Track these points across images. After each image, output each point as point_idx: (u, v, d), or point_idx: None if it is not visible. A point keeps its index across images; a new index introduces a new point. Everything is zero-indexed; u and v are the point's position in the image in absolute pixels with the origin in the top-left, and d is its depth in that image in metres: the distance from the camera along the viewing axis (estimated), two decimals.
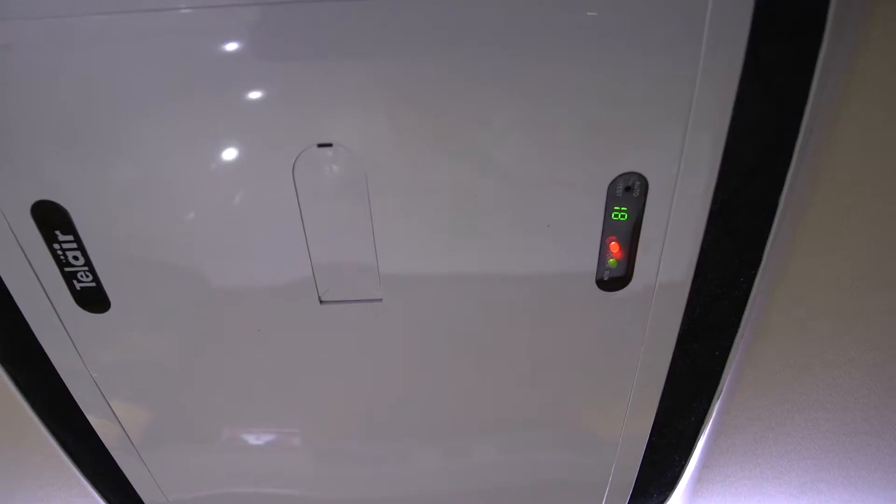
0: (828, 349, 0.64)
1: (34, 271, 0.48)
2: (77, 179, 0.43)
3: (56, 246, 0.46)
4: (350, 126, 0.41)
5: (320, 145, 0.42)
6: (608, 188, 0.44)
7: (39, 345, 0.52)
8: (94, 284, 0.49)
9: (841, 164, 0.46)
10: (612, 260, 0.49)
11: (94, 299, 0.49)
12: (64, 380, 0.55)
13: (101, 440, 0.61)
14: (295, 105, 0.40)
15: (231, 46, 0.38)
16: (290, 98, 0.39)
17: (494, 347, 0.54)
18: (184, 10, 0.37)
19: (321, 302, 0.50)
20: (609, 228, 0.47)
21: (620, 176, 0.44)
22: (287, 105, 0.40)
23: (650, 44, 0.38)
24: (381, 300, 0.50)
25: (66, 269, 0.48)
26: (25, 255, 0.47)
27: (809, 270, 0.53)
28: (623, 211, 0.46)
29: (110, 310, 0.50)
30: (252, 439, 0.62)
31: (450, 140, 0.41)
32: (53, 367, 0.54)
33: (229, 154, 0.42)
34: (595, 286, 0.50)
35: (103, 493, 0.67)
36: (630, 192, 0.45)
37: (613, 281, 0.49)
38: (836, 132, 0.44)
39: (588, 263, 0.48)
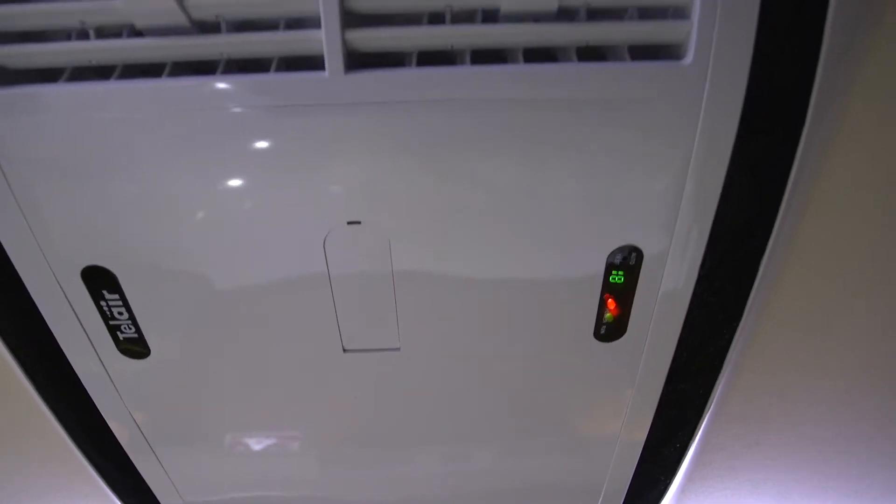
0: (800, 384, 0.71)
1: (81, 325, 0.52)
2: (126, 248, 0.47)
3: (104, 304, 0.51)
4: (376, 207, 0.45)
5: (350, 223, 0.46)
6: (608, 257, 0.49)
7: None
8: (136, 335, 0.53)
9: (812, 244, 0.51)
10: (608, 315, 0.54)
11: (135, 350, 0.54)
12: (102, 413, 0.60)
13: (128, 457, 0.66)
14: (331, 191, 0.44)
15: (275, 142, 0.42)
16: (328, 187, 0.44)
17: (500, 388, 0.59)
18: (235, 110, 0.41)
19: (344, 351, 0.55)
20: (607, 288, 0.52)
21: (619, 248, 0.49)
22: (325, 191, 0.44)
23: (651, 138, 0.43)
24: (398, 349, 0.55)
25: (111, 323, 0.52)
26: (74, 312, 0.51)
27: (783, 324, 0.59)
28: (620, 275, 0.51)
29: (150, 356, 0.55)
30: (271, 456, 0.67)
31: (467, 219, 0.46)
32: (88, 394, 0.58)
33: (268, 228, 0.46)
34: (593, 338, 0.55)
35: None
36: (627, 260, 0.50)
37: (609, 334, 0.55)
38: (809, 214, 0.49)
39: (588, 318, 0.54)
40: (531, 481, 0.70)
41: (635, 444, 0.66)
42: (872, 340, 0.63)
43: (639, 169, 0.44)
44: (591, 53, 0.41)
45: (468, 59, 0.41)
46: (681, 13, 0.40)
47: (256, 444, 0.66)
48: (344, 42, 0.39)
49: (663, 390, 0.60)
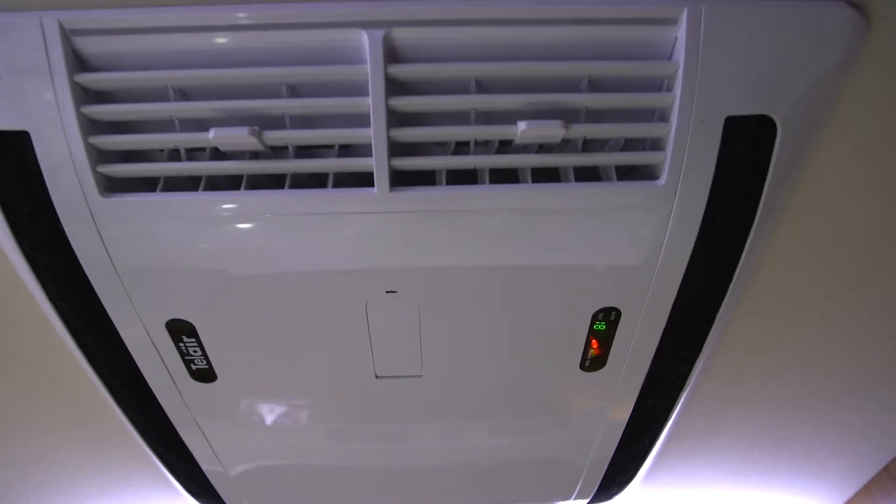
0: (750, 391, 0.85)
1: (161, 359, 0.63)
2: (205, 302, 0.58)
3: (182, 345, 0.62)
4: (409, 283, 0.56)
5: (388, 291, 0.57)
6: (594, 313, 0.61)
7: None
8: (206, 366, 0.65)
9: (749, 310, 0.64)
10: (592, 352, 0.66)
11: (205, 377, 0.66)
12: (172, 419, 0.72)
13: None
14: (375, 271, 0.55)
15: (331, 237, 0.53)
16: (374, 268, 0.55)
17: (501, 405, 0.72)
18: (303, 215, 0.51)
19: (377, 377, 0.67)
20: (592, 333, 0.64)
21: (602, 308, 0.61)
22: (371, 271, 0.55)
23: (631, 236, 0.54)
24: (421, 376, 0.68)
25: (186, 358, 0.64)
26: (158, 353, 0.62)
27: (732, 358, 0.72)
28: (602, 324, 0.63)
29: (217, 381, 0.67)
30: (305, 436, 0.80)
31: (485, 291, 0.57)
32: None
33: (324, 294, 0.57)
34: (579, 369, 0.67)
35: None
36: (608, 315, 0.62)
37: (592, 366, 0.67)
38: (751, 288, 0.61)
39: (576, 355, 0.66)
40: (528, 472, 0.84)
41: (610, 443, 0.80)
42: (807, 367, 0.77)
43: (621, 256, 0.55)
44: (586, 170, 0.52)
45: (487, 176, 0.51)
46: (657, 145, 0.50)
47: (296, 433, 0.79)
48: (390, 167, 0.49)
49: (634, 406, 0.73)
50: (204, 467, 0.83)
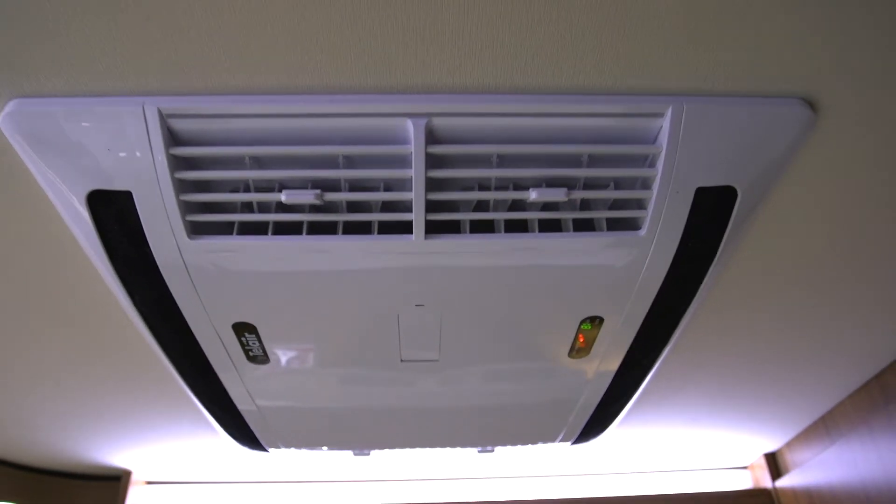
0: (710, 358, 1.01)
1: (222, 342, 0.77)
2: (266, 311, 0.71)
3: (243, 339, 0.75)
4: (435, 298, 0.69)
5: (417, 305, 0.70)
6: (581, 320, 0.75)
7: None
8: (262, 354, 0.79)
9: (704, 322, 0.78)
10: (579, 344, 0.81)
11: (259, 361, 0.80)
12: (228, 389, 0.87)
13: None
14: (408, 291, 0.68)
15: (375, 270, 0.65)
16: (407, 290, 0.68)
17: (503, 381, 0.87)
18: (353, 254, 0.63)
19: (401, 361, 0.82)
20: (579, 331, 0.78)
21: (589, 316, 0.74)
22: (404, 291, 0.68)
23: (616, 269, 0.67)
24: (437, 360, 0.82)
25: (245, 348, 0.77)
26: (223, 345, 0.76)
27: (688, 348, 0.87)
28: (588, 324, 0.77)
29: (268, 364, 0.81)
30: (337, 401, 0.95)
31: (492, 304, 0.71)
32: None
33: (365, 306, 0.70)
34: (567, 356, 0.82)
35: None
36: (593, 320, 0.76)
37: (578, 354, 0.82)
38: (703, 308, 0.75)
39: (565, 347, 0.80)
40: (527, 416, 1.01)
41: (591, 403, 0.96)
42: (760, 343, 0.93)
43: (606, 282, 0.68)
44: (582, 220, 0.64)
45: (503, 226, 0.63)
46: (640, 205, 0.62)
47: (328, 396, 0.94)
48: (426, 221, 0.60)
49: (611, 381, 0.89)
50: (253, 428, 0.99)
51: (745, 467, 1.58)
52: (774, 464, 1.49)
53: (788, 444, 1.44)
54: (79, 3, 0.47)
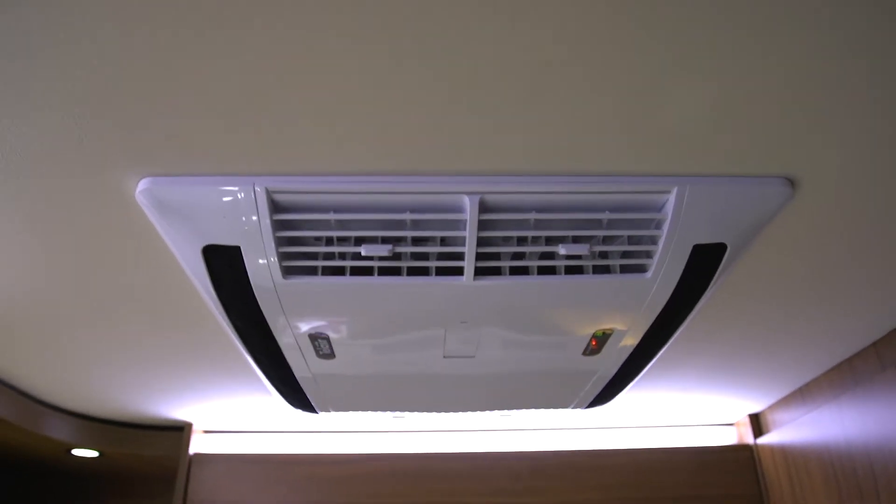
0: (700, 347, 1.18)
1: (299, 346, 0.93)
2: (338, 328, 0.87)
3: (316, 343, 0.92)
4: (477, 317, 0.85)
5: (461, 322, 0.86)
6: (594, 331, 0.91)
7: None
8: (330, 353, 0.95)
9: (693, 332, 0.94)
10: (592, 346, 0.97)
11: (327, 357, 0.97)
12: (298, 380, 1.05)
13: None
14: (456, 313, 0.84)
15: (433, 300, 0.80)
16: (455, 312, 0.83)
17: (526, 365, 1.04)
18: (416, 291, 0.78)
19: (444, 357, 0.98)
20: (592, 338, 0.94)
21: (602, 329, 0.90)
22: (453, 313, 0.84)
23: (627, 302, 0.82)
24: (474, 356, 0.99)
25: (316, 349, 0.94)
26: (299, 348, 0.92)
27: (693, 334, 1.04)
28: (600, 334, 0.93)
29: (334, 359, 0.98)
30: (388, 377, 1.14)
31: (523, 322, 0.86)
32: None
33: (420, 322, 0.86)
34: (581, 355, 0.99)
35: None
36: (605, 331, 0.91)
37: (591, 353, 0.98)
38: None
39: (581, 348, 0.97)
40: (545, 391, 1.19)
41: (599, 384, 1.13)
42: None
43: (618, 307, 0.83)
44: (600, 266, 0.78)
45: (536, 270, 0.77)
46: (647, 255, 0.76)
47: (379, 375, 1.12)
48: (476, 267, 0.75)
49: (617, 370, 1.06)
50: (309, 397, 1.17)
51: (731, 424, 1.78)
52: (757, 423, 1.69)
53: (770, 408, 1.63)
54: (201, 108, 0.59)
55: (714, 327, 1.10)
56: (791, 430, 1.50)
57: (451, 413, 1.34)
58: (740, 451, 1.69)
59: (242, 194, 0.68)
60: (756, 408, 1.66)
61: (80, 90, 0.56)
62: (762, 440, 1.65)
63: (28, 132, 0.61)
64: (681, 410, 1.66)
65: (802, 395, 1.47)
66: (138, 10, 0.48)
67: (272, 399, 1.52)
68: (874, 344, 1.21)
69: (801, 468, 1.46)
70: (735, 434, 1.77)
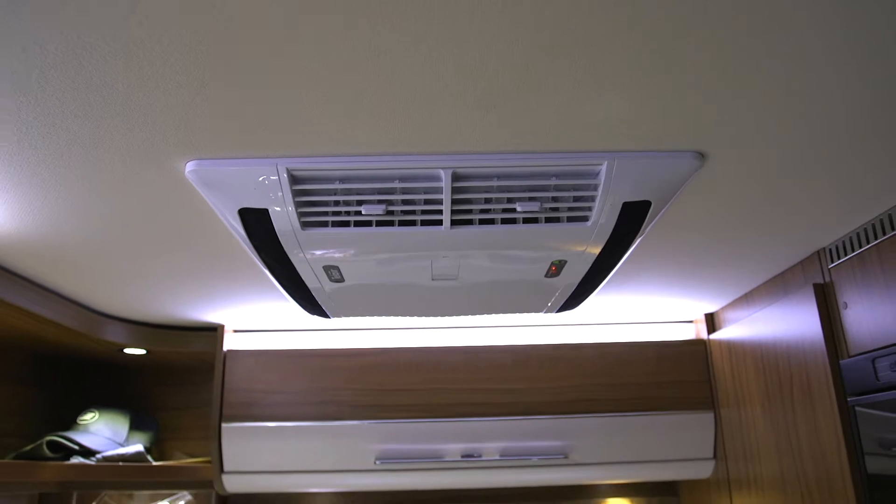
0: (659, 252, 1.41)
1: (315, 275, 1.16)
2: (346, 261, 1.10)
3: (329, 272, 1.15)
4: (457, 254, 1.07)
5: (443, 256, 1.08)
6: (551, 261, 1.13)
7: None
8: (340, 278, 1.18)
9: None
10: (552, 270, 1.19)
11: (337, 281, 1.20)
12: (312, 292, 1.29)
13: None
14: (440, 251, 1.06)
15: (420, 247, 1.02)
16: (439, 253, 1.05)
17: (498, 282, 1.28)
18: (409, 242, 1.00)
19: (432, 280, 1.22)
20: (552, 264, 1.16)
21: (558, 259, 1.12)
22: (438, 252, 1.06)
23: (572, 241, 1.03)
24: (456, 279, 1.22)
25: (329, 275, 1.17)
26: (315, 275, 1.15)
27: (646, 245, 1.26)
28: (557, 262, 1.15)
29: (344, 282, 1.21)
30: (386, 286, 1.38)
31: (493, 254, 1.08)
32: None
33: (413, 260, 1.08)
34: (544, 277, 1.21)
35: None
36: (561, 261, 1.13)
37: (550, 275, 1.21)
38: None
39: (542, 271, 1.19)
40: (521, 294, 1.44)
41: (563, 296, 1.37)
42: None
43: (566, 247, 1.05)
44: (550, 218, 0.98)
45: (500, 220, 0.98)
46: (588, 210, 0.96)
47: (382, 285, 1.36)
48: (451, 220, 0.96)
49: (582, 277, 1.29)
50: (325, 309, 1.42)
51: (690, 321, 2.05)
52: (711, 321, 1.96)
53: (723, 309, 1.89)
54: (234, 109, 0.78)
55: (671, 243, 1.32)
56: (735, 329, 1.76)
57: (443, 317, 1.60)
58: (695, 344, 1.96)
59: (268, 172, 0.88)
60: (711, 308, 1.92)
61: (159, 106, 0.74)
62: (714, 336, 1.92)
63: (113, 136, 0.80)
64: (650, 310, 1.91)
65: (747, 299, 1.71)
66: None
67: (290, 306, 1.79)
68: (801, 262, 1.43)
69: (740, 360, 1.73)
70: (693, 330, 2.04)
